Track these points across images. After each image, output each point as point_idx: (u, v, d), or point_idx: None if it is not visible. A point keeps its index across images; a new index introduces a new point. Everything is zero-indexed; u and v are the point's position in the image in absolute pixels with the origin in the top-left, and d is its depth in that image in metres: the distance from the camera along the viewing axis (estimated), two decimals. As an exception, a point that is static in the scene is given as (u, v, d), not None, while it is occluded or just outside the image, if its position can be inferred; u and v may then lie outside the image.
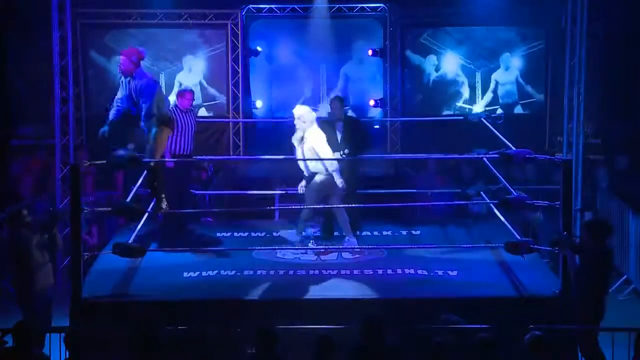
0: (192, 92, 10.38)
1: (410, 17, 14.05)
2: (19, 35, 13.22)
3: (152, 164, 8.71)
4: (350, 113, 11.80)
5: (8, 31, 13.04)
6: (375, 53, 14.05)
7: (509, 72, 14.19)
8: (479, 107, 14.08)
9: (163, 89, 13.17)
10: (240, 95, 13.86)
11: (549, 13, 13.64)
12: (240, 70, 13.85)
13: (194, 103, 10.43)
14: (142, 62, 8.74)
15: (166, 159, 9.43)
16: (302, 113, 9.35)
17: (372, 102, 14.09)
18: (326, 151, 9.33)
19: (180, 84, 13.67)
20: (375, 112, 14.19)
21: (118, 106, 8.80)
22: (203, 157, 11.14)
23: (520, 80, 14.19)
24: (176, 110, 10.21)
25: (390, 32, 14.02)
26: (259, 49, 14.01)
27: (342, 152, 9.71)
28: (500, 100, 14.18)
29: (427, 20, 14.12)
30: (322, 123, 9.99)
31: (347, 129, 9.89)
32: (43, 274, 8.65)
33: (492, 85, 14.17)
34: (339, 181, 9.32)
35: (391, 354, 6.66)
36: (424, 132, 13.16)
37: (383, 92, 14.17)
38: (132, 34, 13.80)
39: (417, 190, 11.90)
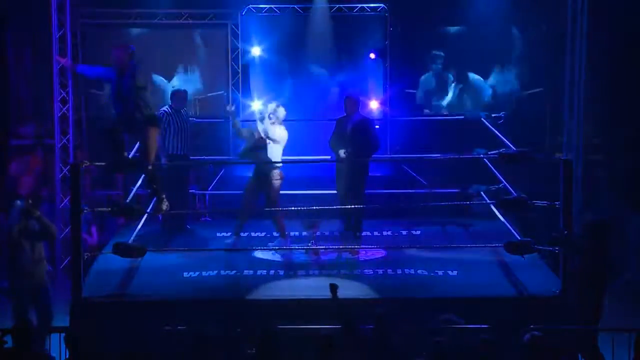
0: (185, 92, 10.40)
1: (410, 17, 14.04)
2: (19, 35, 13.21)
3: (149, 166, 8.75)
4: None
5: (8, 31, 13.03)
6: (377, 55, 14.05)
7: (508, 71, 14.18)
8: (478, 106, 14.07)
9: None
10: (240, 95, 13.85)
11: (550, 13, 13.62)
12: (239, 70, 13.84)
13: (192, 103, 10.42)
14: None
15: (162, 161, 9.47)
16: (280, 111, 9.59)
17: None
18: (279, 154, 9.53)
19: (177, 84, 13.70)
20: (375, 112, 14.18)
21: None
22: (201, 157, 11.14)
23: (520, 79, 14.18)
24: (170, 110, 10.23)
25: (390, 32, 14.01)
26: (257, 48, 14.00)
27: (345, 151, 9.72)
28: (500, 99, 14.17)
29: (427, 19, 14.11)
30: (341, 118, 10.02)
31: (357, 128, 9.88)
32: (39, 268, 8.65)
33: (491, 83, 14.16)
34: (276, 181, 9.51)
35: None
36: (423, 132, 13.15)
37: (383, 91, 14.16)
38: (132, 34, 13.78)
39: (417, 190, 11.89)
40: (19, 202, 8.71)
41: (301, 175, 11.99)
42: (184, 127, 10.21)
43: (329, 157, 10.42)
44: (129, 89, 8.57)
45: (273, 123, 9.49)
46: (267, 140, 9.46)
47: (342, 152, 9.73)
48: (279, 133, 9.51)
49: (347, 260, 9.29)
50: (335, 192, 10.19)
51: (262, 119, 9.58)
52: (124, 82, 8.59)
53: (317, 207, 9.61)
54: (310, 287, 8.37)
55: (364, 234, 10.07)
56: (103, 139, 8.80)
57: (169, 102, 10.62)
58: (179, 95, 10.30)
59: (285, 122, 9.71)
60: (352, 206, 9.69)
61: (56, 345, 7.44)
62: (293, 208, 9.55)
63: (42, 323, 8.42)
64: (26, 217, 8.55)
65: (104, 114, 13.12)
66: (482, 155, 10.00)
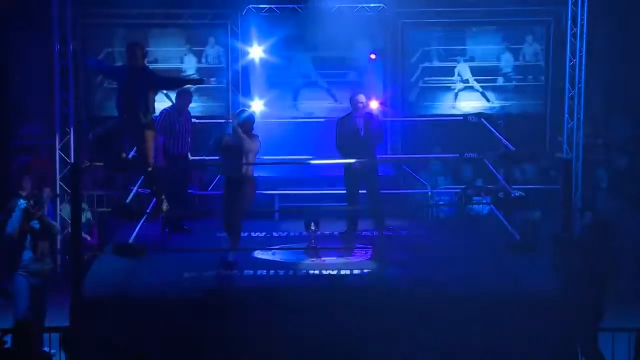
0: (189, 93, 10.37)
1: (410, 16, 14.05)
2: (19, 35, 13.23)
3: (149, 167, 8.75)
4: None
5: (9, 31, 13.05)
6: (377, 56, 14.06)
7: (508, 70, 14.19)
8: (478, 105, 14.09)
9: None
10: (240, 95, 13.86)
11: (550, 12, 13.64)
12: (240, 71, 13.85)
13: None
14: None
15: (158, 161, 9.45)
16: (249, 119, 9.23)
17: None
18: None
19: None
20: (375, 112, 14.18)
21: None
22: (200, 157, 11.14)
23: (520, 78, 14.20)
24: (173, 110, 10.21)
25: (390, 32, 14.02)
26: (257, 48, 14.01)
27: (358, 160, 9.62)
28: (501, 99, 14.19)
29: (426, 19, 14.13)
30: (344, 118, 9.94)
31: (369, 124, 9.80)
32: (42, 266, 8.67)
33: (491, 83, 14.18)
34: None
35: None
36: (424, 132, 13.16)
37: (383, 91, 14.17)
38: (132, 34, 13.79)
39: (417, 190, 11.89)
40: (21, 202, 8.74)
41: (300, 175, 12.01)
42: (186, 127, 10.20)
43: (328, 157, 10.37)
44: (142, 90, 8.54)
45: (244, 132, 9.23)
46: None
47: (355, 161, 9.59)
48: (250, 143, 9.28)
49: (347, 260, 9.28)
50: (333, 192, 10.17)
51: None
52: (136, 82, 8.54)
53: (318, 207, 9.60)
54: (309, 286, 8.37)
55: (364, 233, 10.07)
56: (96, 145, 8.81)
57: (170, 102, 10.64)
58: (184, 96, 10.27)
59: (285, 121, 9.67)
60: (360, 205, 9.66)
61: (57, 345, 7.45)
62: (293, 209, 9.54)
63: (36, 321, 8.44)
64: (28, 217, 8.60)
65: (103, 114, 13.17)
66: (482, 156, 10.00)
